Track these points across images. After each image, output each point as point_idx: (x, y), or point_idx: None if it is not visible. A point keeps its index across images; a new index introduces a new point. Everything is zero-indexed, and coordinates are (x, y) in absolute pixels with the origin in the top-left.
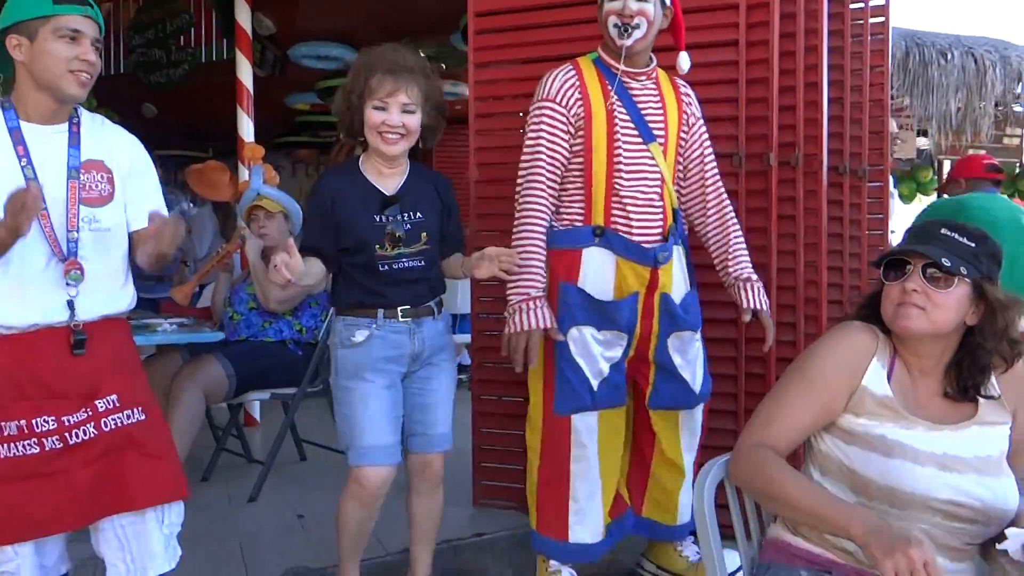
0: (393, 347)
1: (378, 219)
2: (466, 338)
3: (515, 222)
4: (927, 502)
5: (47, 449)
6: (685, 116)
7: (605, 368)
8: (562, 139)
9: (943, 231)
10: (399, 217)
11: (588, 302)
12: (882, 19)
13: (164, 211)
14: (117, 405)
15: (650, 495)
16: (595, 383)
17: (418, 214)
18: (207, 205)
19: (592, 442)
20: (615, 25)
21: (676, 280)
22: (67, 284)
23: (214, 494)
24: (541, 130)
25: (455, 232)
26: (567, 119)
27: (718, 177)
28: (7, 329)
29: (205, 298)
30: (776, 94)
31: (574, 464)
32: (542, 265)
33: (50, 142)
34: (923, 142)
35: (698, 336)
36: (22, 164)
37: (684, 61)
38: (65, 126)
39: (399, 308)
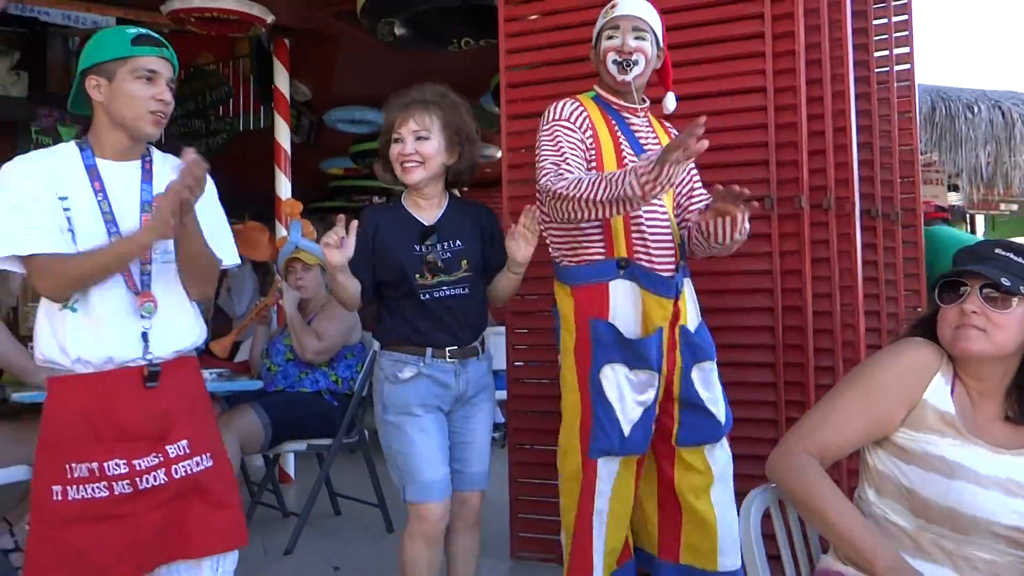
0: (440, 386)
1: (417, 248)
2: (501, 395)
3: (561, 189)
4: (990, 527)
5: (116, 493)
6: None
7: (636, 414)
8: (580, 151)
9: (997, 251)
10: (438, 246)
11: (619, 339)
12: (908, 66)
13: (231, 254)
14: (187, 451)
15: (686, 540)
16: (627, 428)
17: (457, 242)
18: (247, 264)
19: (609, 488)
20: (615, 62)
21: (689, 311)
22: (141, 316)
23: (250, 547)
24: (557, 137)
25: (504, 258)
26: (581, 138)
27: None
28: (83, 366)
29: (243, 352)
30: (805, 138)
31: (596, 512)
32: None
33: (124, 178)
34: (954, 197)
35: (715, 366)
36: (98, 198)
37: (670, 101)
38: (138, 163)
39: (447, 348)
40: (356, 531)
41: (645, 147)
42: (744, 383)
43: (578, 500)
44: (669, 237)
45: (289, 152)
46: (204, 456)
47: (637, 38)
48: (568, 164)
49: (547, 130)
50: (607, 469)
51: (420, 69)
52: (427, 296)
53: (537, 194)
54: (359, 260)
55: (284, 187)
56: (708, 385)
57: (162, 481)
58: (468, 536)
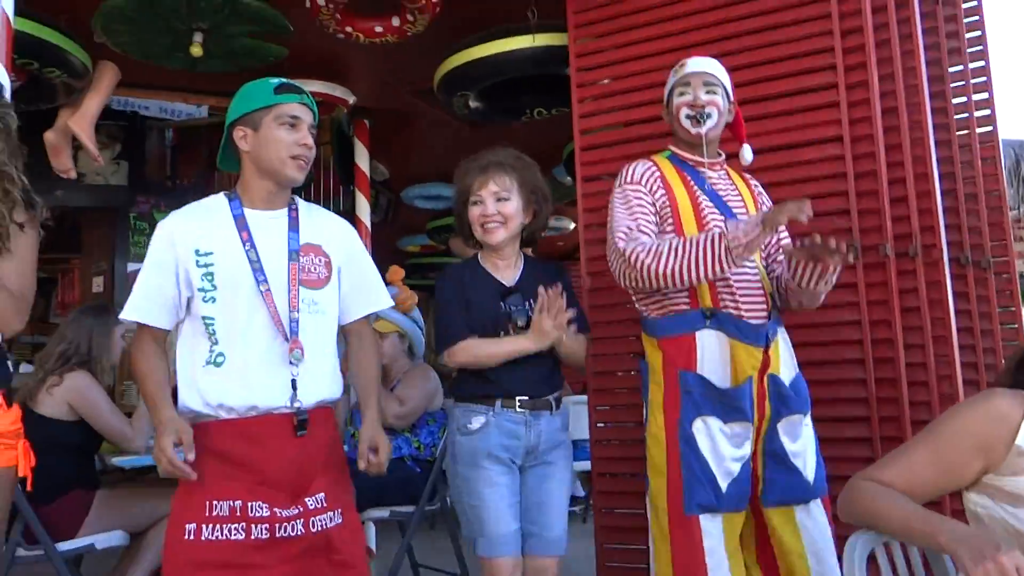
0: (509, 436)
1: (502, 307)
2: (584, 465)
3: (639, 253)
4: None
5: (252, 537)
6: (759, 203)
7: (735, 468)
8: (651, 213)
9: None
10: (520, 306)
11: (711, 391)
12: (988, 112)
13: (384, 297)
14: (324, 505)
15: None
16: (724, 484)
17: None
18: None
19: (722, 546)
20: (688, 116)
21: (784, 361)
22: (290, 363)
23: None
24: (630, 200)
25: (577, 316)
26: (652, 201)
27: None
28: (227, 412)
29: None
30: (886, 186)
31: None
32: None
33: (271, 227)
34: None
35: (808, 421)
36: (246, 248)
37: (747, 152)
38: (284, 212)
39: (517, 398)
40: None
41: (725, 199)
42: (838, 439)
43: (672, 562)
44: (759, 286)
45: (370, 228)
46: (336, 512)
47: (708, 92)
48: (642, 229)
49: (620, 193)
50: (713, 524)
51: (494, 143)
52: None
53: (608, 256)
54: (458, 313)
55: None
56: (795, 438)
57: (299, 532)
58: None
